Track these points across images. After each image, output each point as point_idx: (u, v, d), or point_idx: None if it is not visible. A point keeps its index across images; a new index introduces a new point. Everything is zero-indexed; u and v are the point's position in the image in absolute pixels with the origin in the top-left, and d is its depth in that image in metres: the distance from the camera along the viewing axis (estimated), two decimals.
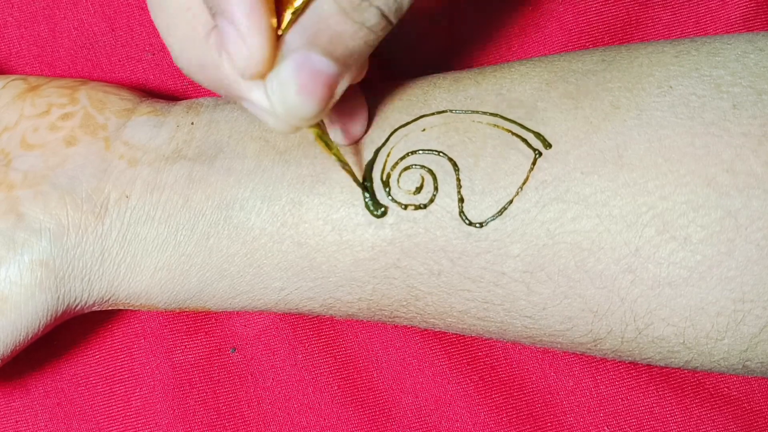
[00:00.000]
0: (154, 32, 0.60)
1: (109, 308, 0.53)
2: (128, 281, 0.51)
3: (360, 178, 0.48)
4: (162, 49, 0.60)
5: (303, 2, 0.40)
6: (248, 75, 0.40)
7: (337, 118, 0.49)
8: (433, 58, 0.61)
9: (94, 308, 0.52)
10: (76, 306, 0.51)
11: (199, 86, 0.61)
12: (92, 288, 0.50)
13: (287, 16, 0.40)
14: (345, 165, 0.47)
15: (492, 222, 0.47)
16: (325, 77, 0.41)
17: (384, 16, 0.41)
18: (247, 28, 0.39)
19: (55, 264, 0.49)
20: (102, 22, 0.60)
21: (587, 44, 0.61)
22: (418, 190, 0.48)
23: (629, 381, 0.59)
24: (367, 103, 0.50)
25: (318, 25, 0.40)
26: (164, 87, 0.61)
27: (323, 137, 0.45)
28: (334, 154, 0.46)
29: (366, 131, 0.50)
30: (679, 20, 0.61)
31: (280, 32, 0.40)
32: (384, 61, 0.60)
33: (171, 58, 0.60)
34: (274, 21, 0.40)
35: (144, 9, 0.60)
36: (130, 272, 0.50)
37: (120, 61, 0.61)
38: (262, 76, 0.41)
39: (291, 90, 0.40)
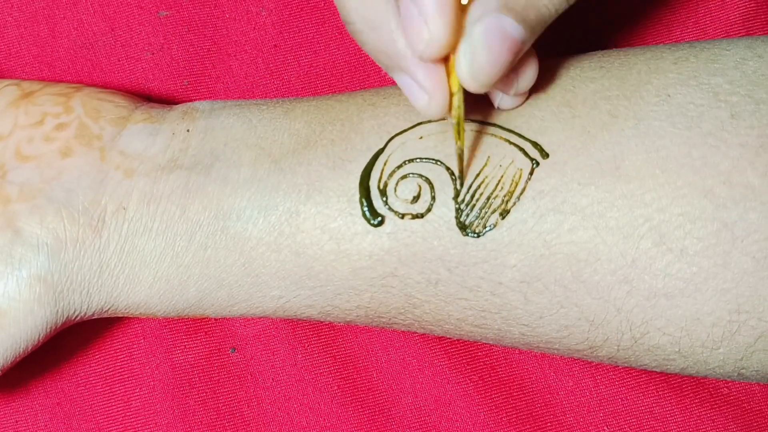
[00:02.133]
0: (153, 32, 0.60)
1: (109, 316, 0.53)
2: (127, 292, 0.51)
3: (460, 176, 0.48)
4: (161, 49, 0.60)
5: None
6: (425, 58, 0.41)
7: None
8: None
9: (94, 317, 0.52)
10: (76, 317, 0.51)
11: (199, 87, 0.61)
12: (91, 300, 0.50)
13: None
14: (461, 159, 0.47)
15: (489, 232, 0.47)
16: (513, 43, 0.41)
17: None
18: (432, 12, 0.39)
19: (53, 279, 0.49)
20: (102, 22, 0.60)
21: (587, 45, 0.61)
22: (416, 199, 0.48)
23: (629, 381, 0.59)
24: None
25: None
26: (164, 87, 0.61)
27: (460, 125, 0.45)
28: (459, 146, 0.46)
29: (363, 136, 0.50)
30: (678, 20, 0.61)
31: (464, 1, 0.40)
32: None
33: (171, 58, 0.60)
34: None
35: (144, 9, 0.60)
36: (128, 284, 0.50)
37: (120, 61, 0.61)
38: (439, 60, 0.41)
39: (480, 54, 0.41)
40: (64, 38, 0.60)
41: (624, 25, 0.61)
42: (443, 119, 0.49)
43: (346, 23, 0.44)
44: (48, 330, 0.50)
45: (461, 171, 0.47)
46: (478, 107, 0.49)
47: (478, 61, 0.41)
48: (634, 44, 0.61)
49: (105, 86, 0.60)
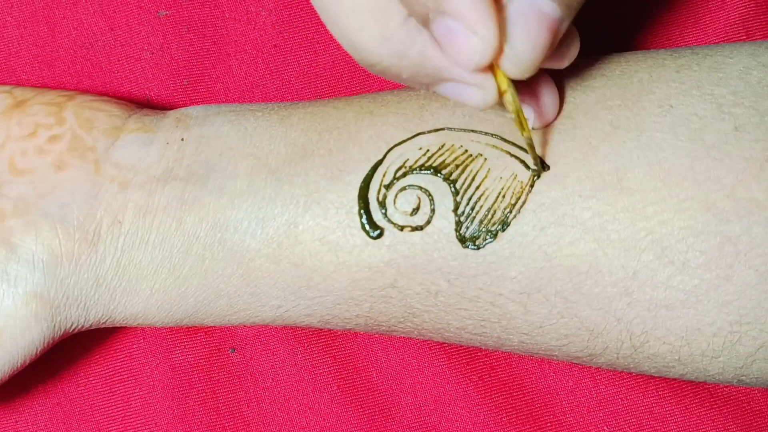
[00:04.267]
0: (153, 32, 0.60)
1: (107, 327, 0.53)
2: (124, 305, 0.51)
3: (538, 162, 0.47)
4: (161, 49, 0.60)
5: None
6: (483, 66, 0.40)
7: (529, 95, 0.47)
8: None
9: (92, 329, 0.52)
10: (73, 330, 0.51)
11: (199, 87, 0.60)
12: (88, 313, 0.50)
13: None
14: (531, 144, 0.45)
15: (489, 244, 0.47)
16: (550, 22, 0.40)
17: None
18: (477, 20, 0.38)
19: (49, 295, 0.49)
20: (102, 22, 0.60)
21: (586, 45, 0.60)
22: (415, 211, 0.48)
23: (629, 381, 0.59)
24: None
25: None
26: (164, 87, 0.60)
27: (520, 114, 0.43)
28: (527, 131, 0.44)
29: (361, 146, 0.50)
30: (677, 21, 0.60)
31: None
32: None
33: (170, 58, 0.60)
34: None
35: (144, 8, 0.60)
36: (125, 296, 0.50)
37: (120, 61, 0.60)
38: (491, 65, 0.40)
39: (517, 36, 0.39)
40: (64, 38, 0.60)
41: (622, 25, 0.60)
42: (441, 129, 0.49)
43: (369, 66, 0.43)
44: (45, 344, 0.50)
45: (535, 158, 0.46)
46: (479, 119, 0.48)
47: (517, 47, 0.39)
48: (633, 45, 0.61)
49: (104, 86, 0.60)
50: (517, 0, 0.39)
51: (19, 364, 0.50)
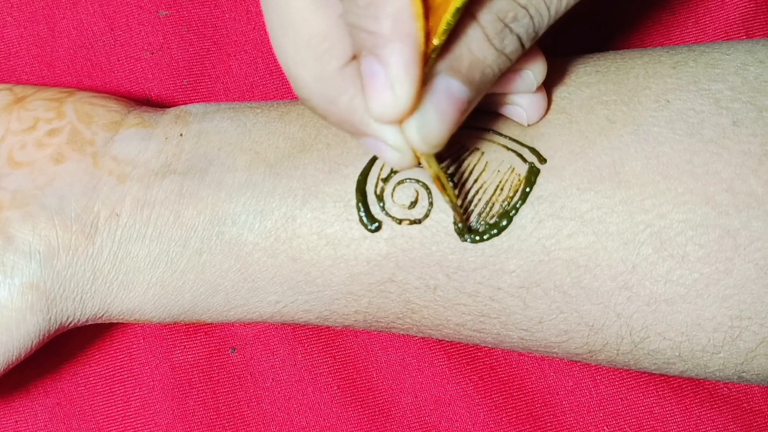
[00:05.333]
0: (153, 31, 0.60)
1: (103, 322, 0.53)
2: (121, 298, 0.50)
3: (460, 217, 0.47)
4: (161, 49, 0.60)
5: (441, 41, 0.38)
6: (386, 121, 0.39)
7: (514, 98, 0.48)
8: None
9: (88, 323, 0.52)
10: (69, 324, 0.51)
11: (198, 87, 0.61)
12: (84, 306, 0.50)
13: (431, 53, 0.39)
14: (456, 207, 0.46)
15: (488, 238, 0.47)
16: (460, 104, 0.40)
17: (521, 43, 0.41)
18: (399, 78, 0.38)
19: (46, 286, 0.49)
20: (101, 21, 0.60)
21: (586, 45, 0.60)
22: (413, 204, 0.48)
23: (629, 381, 0.59)
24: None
25: (460, 50, 0.40)
26: (163, 87, 0.60)
27: (441, 178, 0.44)
28: (448, 195, 0.45)
29: (356, 141, 0.49)
30: (677, 21, 0.60)
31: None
32: None
33: (170, 58, 0.60)
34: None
35: (143, 8, 0.60)
36: (122, 290, 0.50)
37: (119, 60, 0.60)
38: (400, 122, 0.40)
39: (430, 118, 0.40)
40: (64, 38, 0.60)
41: (622, 26, 0.61)
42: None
43: (301, 101, 0.43)
44: (41, 337, 0.50)
45: (462, 221, 0.47)
46: (475, 113, 0.48)
47: (429, 125, 0.40)
48: (633, 45, 0.61)
49: (104, 86, 0.60)
50: (437, 78, 0.40)
51: (14, 357, 0.50)
